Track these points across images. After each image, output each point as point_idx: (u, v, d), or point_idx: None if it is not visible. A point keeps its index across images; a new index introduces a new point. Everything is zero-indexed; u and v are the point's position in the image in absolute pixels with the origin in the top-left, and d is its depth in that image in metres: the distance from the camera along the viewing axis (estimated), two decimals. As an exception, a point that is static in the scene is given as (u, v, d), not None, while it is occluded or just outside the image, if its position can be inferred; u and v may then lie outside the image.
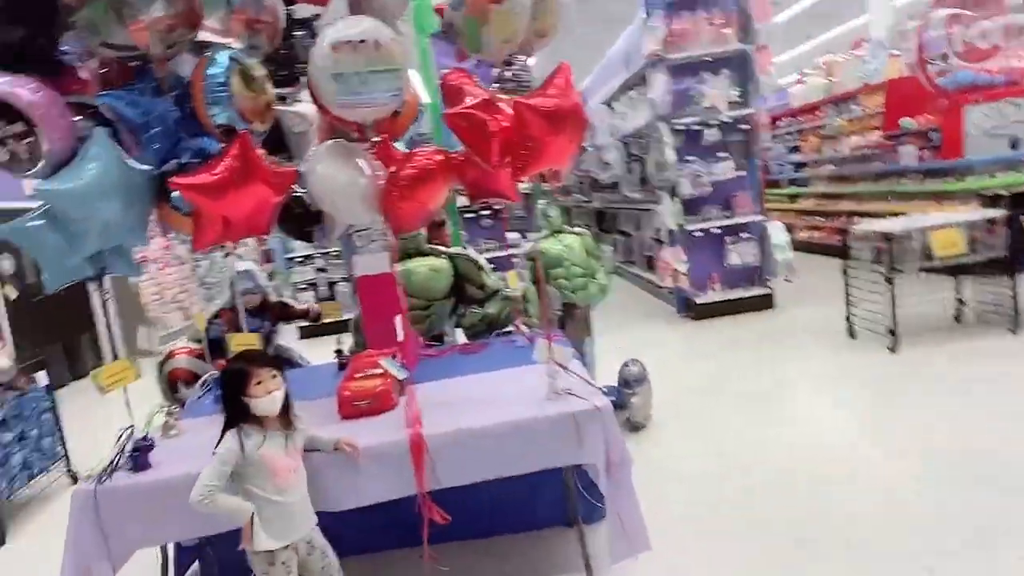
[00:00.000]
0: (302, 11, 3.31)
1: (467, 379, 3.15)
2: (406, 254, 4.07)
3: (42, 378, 4.78)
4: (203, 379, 3.56)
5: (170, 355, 3.89)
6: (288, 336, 6.61)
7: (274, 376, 2.26)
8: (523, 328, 3.80)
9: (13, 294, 8.10)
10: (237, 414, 2.24)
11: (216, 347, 3.74)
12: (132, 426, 2.54)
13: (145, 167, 2.42)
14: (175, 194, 2.48)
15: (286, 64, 3.28)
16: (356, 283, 3.52)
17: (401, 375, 2.95)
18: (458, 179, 3.19)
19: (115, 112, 2.28)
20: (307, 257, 9.95)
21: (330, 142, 2.60)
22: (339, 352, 3.73)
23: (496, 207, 7.12)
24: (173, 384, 3.86)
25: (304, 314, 4.22)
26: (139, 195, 2.40)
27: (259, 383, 2.22)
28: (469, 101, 2.53)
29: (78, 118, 2.32)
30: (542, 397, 2.65)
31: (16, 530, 4.25)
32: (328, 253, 9.68)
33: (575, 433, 2.52)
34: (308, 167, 2.58)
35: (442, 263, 4.06)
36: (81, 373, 8.89)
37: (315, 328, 8.92)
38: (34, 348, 7.89)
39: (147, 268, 10.43)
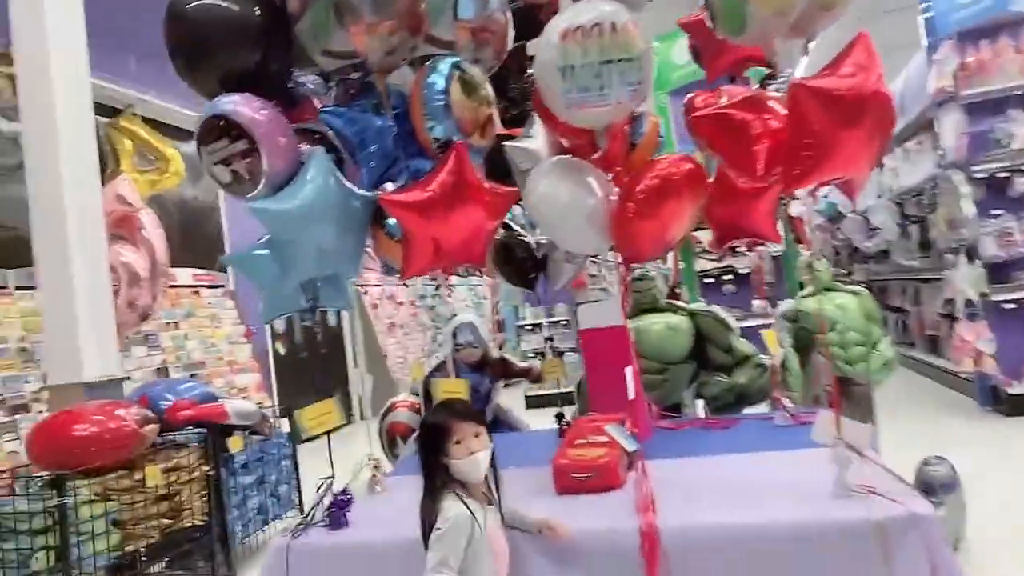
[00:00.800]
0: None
1: (714, 460, 2.50)
2: (639, 309, 3.55)
3: (284, 425, 4.98)
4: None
5: (391, 408, 3.75)
6: (514, 404, 6.36)
7: (477, 435, 1.85)
8: (785, 403, 3.03)
9: (283, 350, 9.01)
10: (435, 476, 1.86)
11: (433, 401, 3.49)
12: (332, 477, 2.28)
13: (363, 193, 2.24)
14: (391, 221, 2.26)
15: (519, 102, 3.05)
16: (580, 338, 3.07)
17: (631, 446, 2.40)
18: (705, 215, 2.65)
19: (332, 128, 2.14)
20: (535, 326, 9.86)
21: (555, 158, 2.23)
22: (560, 416, 3.27)
23: (741, 271, 6.35)
24: (392, 438, 3.69)
25: (525, 373, 3.86)
26: (355, 220, 2.21)
27: (459, 442, 1.82)
28: (724, 101, 2.02)
29: (302, 144, 2.22)
30: (825, 493, 1.92)
31: (244, 573, 4.33)
32: (557, 322, 9.49)
33: (880, 548, 1.75)
34: (530, 186, 2.22)
35: (682, 321, 3.46)
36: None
37: (542, 398, 8.77)
38: (292, 400, 8.62)
39: (394, 333, 11.15)
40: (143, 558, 3.97)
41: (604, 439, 2.36)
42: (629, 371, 2.88)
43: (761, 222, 2.68)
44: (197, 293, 7.62)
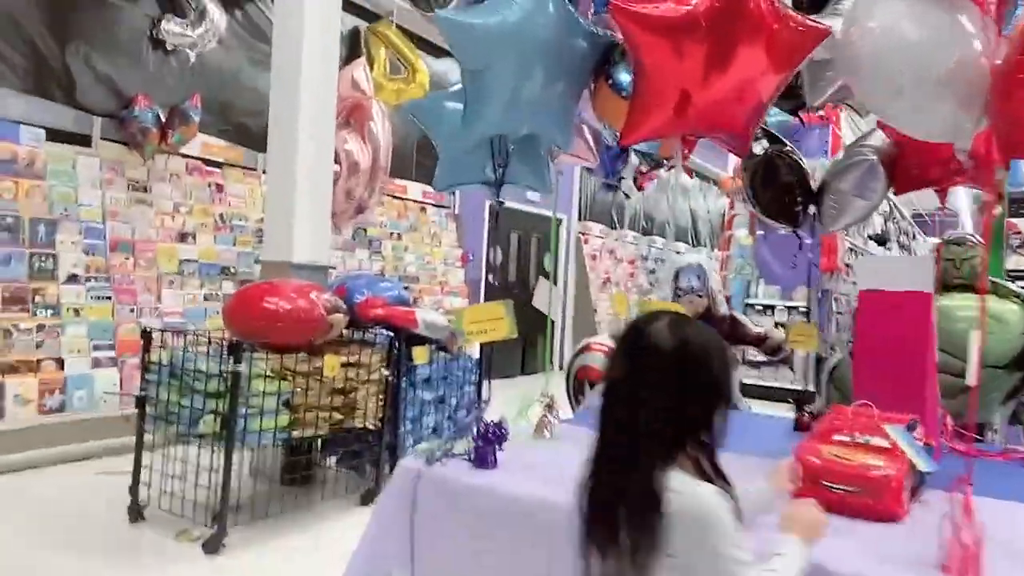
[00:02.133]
0: None
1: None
2: (947, 285, 2.55)
3: (474, 350, 4.66)
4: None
5: (584, 348, 3.17)
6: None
7: None
8: None
9: (495, 282, 8.88)
10: (681, 433, 1.12)
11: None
12: (486, 400, 1.76)
13: (592, 28, 1.61)
14: (622, 75, 1.62)
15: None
16: (858, 303, 2.20)
17: (925, 465, 1.56)
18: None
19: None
20: (768, 308, 8.63)
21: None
22: (799, 402, 2.45)
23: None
24: (580, 382, 3.12)
25: (759, 341, 3.04)
26: (573, 62, 1.60)
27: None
28: None
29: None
30: None
31: (410, 492, 4.12)
32: (795, 308, 8.20)
33: None
34: (852, 17, 1.41)
35: (1011, 310, 2.41)
36: (529, 371, 9.29)
37: (763, 390, 7.65)
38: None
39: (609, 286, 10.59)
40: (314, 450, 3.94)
41: (884, 443, 1.55)
42: (930, 369, 1.99)
43: None
44: (424, 210, 7.67)
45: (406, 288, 7.22)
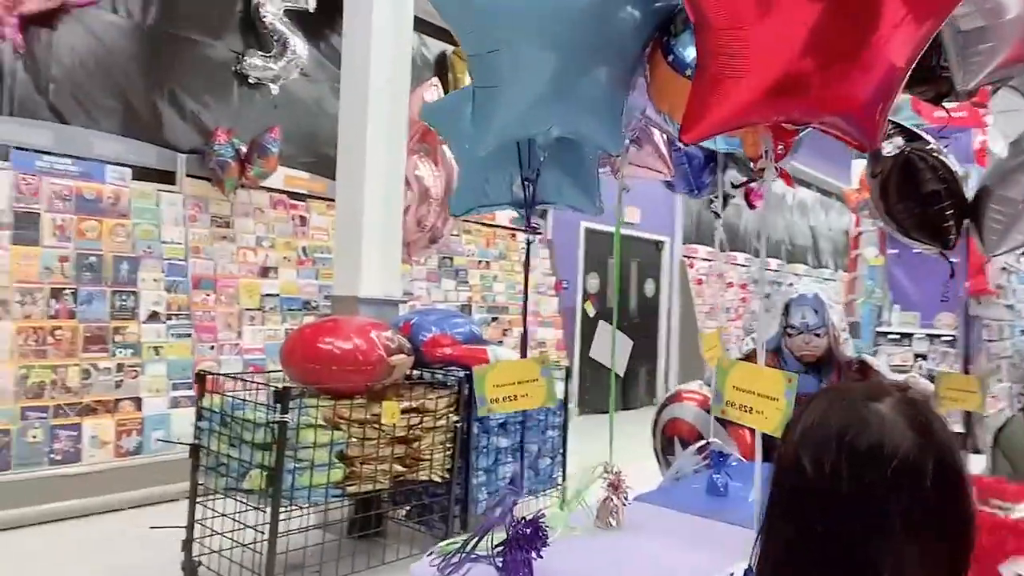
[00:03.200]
0: None
1: None
2: None
3: (558, 391, 4.22)
4: (702, 444, 2.21)
5: (674, 398, 2.67)
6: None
7: None
8: None
9: (592, 311, 8.40)
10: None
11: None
12: (518, 488, 1.35)
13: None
14: (686, 49, 1.18)
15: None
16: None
17: None
18: None
19: None
20: (904, 336, 7.61)
21: None
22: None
23: None
24: (668, 440, 2.63)
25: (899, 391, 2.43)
26: (617, 36, 1.18)
27: None
28: None
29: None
30: None
31: (486, 550, 3.71)
32: (937, 336, 7.17)
33: None
34: None
35: None
36: (631, 405, 8.69)
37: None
38: (593, 369, 7.97)
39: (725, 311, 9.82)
40: (383, 501, 3.62)
41: None
42: None
43: None
44: (513, 236, 7.36)
45: (494, 319, 6.93)
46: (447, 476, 3.38)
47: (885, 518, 0.66)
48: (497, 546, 1.31)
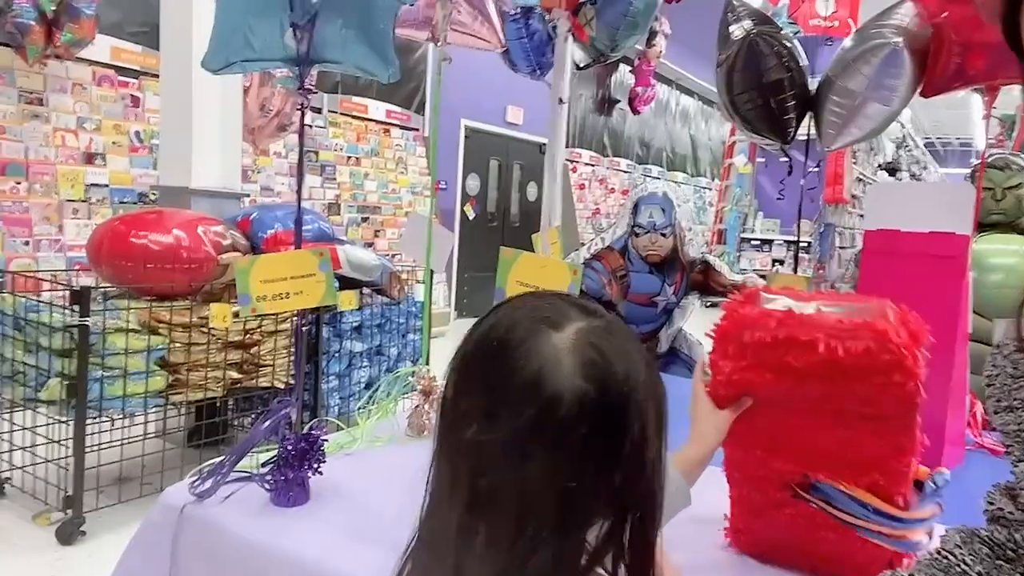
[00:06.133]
0: None
1: None
2: (981, 223, 1.92)
3: (418, 292, 4.06)
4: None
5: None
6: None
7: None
8: None
9: (471, 214, 8.21)
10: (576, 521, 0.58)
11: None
12: (291, 394, 1.17)
13: None
14: None
15: None
16: (864, 245, 1.58)
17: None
18: None
19: None
20: (765, 243, 7.99)
21: None
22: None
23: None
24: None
25: (737, 291, 2.43)
26: None
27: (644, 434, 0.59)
28: None
29: None
30: None
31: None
32: (795, 243, 7.54)
33: None
34: None
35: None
36: (508, 308, 8.72)
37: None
38: (472, 272, 7.86)
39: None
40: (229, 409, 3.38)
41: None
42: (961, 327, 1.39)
43: None
44: (387, 132, 6.93)
45: (365, 219, 6.59)
46: (291, 383, 3.18)
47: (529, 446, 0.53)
48: (264, 464, 1.15)
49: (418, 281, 4.18)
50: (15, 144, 4.12)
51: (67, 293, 2.44)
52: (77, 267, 4.02)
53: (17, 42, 3.92)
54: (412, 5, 1.18)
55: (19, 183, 4.11)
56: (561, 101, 1.63)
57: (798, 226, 2.02)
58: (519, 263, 1.10)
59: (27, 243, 4.10)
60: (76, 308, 2.39)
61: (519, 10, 1.69)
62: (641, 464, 0.56)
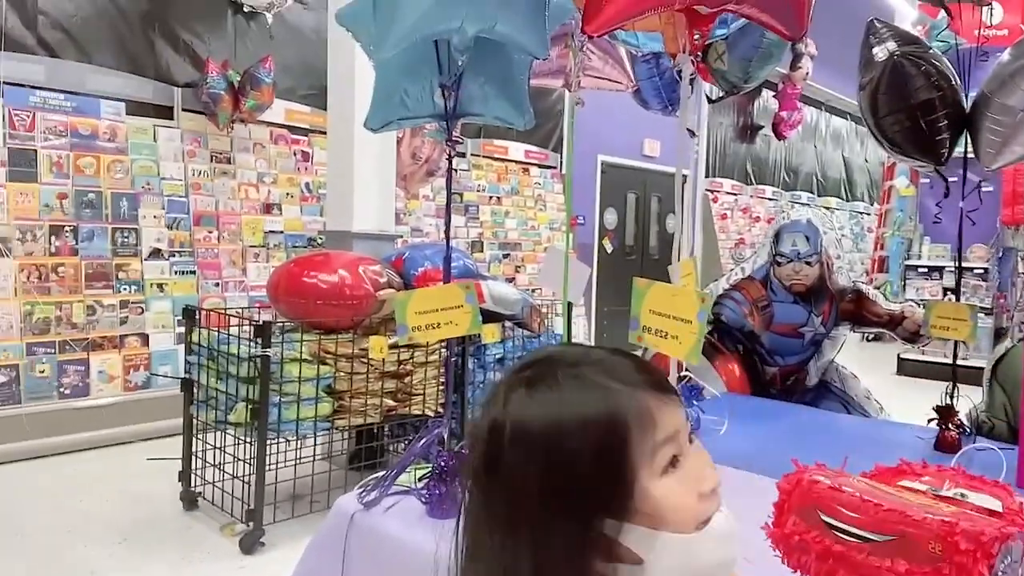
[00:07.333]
0: None
1: None
2: None
3: (558, 325, 4.15)
4: (679, 377, 2.11)
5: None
6: (873, 375, 4.58)
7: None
8: None
9: (609, 248, 8.26)
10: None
11: (728, 338, 2.26)
12: (450, 415, 1.29)
13: None
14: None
15: None
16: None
17: None
18: None
19: None
20: (934, 270, 7.33)
21: None
22: (943, 414, 1.75)
23: None
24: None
25: (893, 323, 2.29)
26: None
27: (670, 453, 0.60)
28: None
29: None
30: None
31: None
32: (969, 270, 6.87)
33: None
34: None
35: None
36: (649, 341, 8.60)
37: (924, 366, 6.50)
38: (611, 306, 7.87)
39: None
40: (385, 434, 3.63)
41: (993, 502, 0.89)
42: None
43: None
44: (526, 171, 7.18)
45: (506, 256, 6.84)
46: (441, 411, 3.37)
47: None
48: (421, 478, 1.26)
49: (557, 315, 4.28)
50: (208, 198, 4.74)
51: (251, 328, 2.77)
52: (258, 305, 4.52)
53: (210, 110, 4.54)
54: (546, 60, 1.29)
55: (211, 232, 4.71)
56: (693, 134, 1.66)
57: (959, 250, 1.89)
58: (651, 293, 1.15)
59: (217, 284, 4.67)
60: (259, 340, 2.70)
61: (650, 52, 1.76)
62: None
